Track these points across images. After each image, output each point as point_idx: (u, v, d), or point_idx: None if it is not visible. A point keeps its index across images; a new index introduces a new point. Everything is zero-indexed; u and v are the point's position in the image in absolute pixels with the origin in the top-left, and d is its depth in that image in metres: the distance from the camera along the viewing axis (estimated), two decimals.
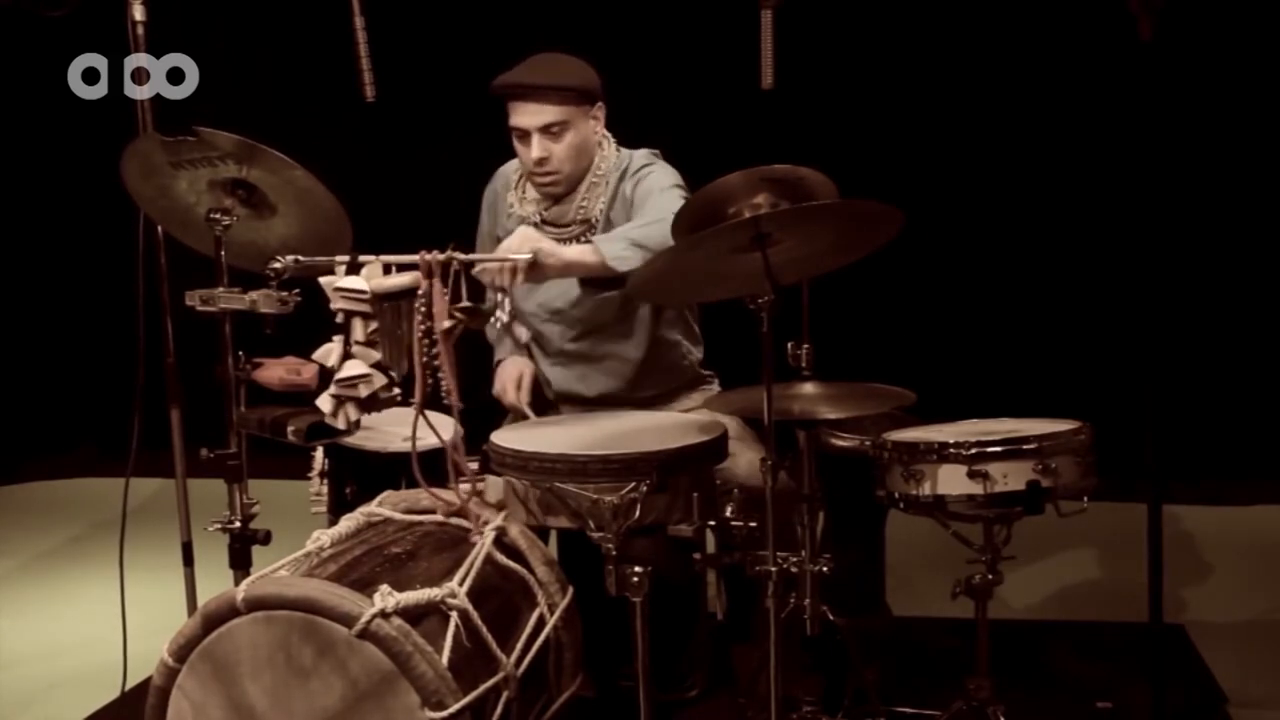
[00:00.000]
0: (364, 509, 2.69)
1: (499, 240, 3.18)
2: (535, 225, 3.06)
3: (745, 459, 2.79)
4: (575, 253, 2.74)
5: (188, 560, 3.23)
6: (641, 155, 3.12)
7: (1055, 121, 4.47)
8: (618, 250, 2.72)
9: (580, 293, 3.07)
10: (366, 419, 2.76)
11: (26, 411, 5.61)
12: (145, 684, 2.35)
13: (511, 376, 3.16)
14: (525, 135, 2.98)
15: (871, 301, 4.36)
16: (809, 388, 2.63)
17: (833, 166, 2.65)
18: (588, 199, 3.06)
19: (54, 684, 3.52)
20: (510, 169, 3.24)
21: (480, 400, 2.88)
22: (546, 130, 2.96)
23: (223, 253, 2.79)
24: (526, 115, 2.97)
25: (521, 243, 2.66)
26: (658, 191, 2.97)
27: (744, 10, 3.26)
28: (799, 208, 2.49)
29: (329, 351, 2.68)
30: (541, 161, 2.99)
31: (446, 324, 2.55)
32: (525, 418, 3.08)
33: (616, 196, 3.06)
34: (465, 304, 2.57)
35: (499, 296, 2.63)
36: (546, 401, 3.21)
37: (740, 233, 2.34)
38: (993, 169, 4.55)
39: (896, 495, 2.60)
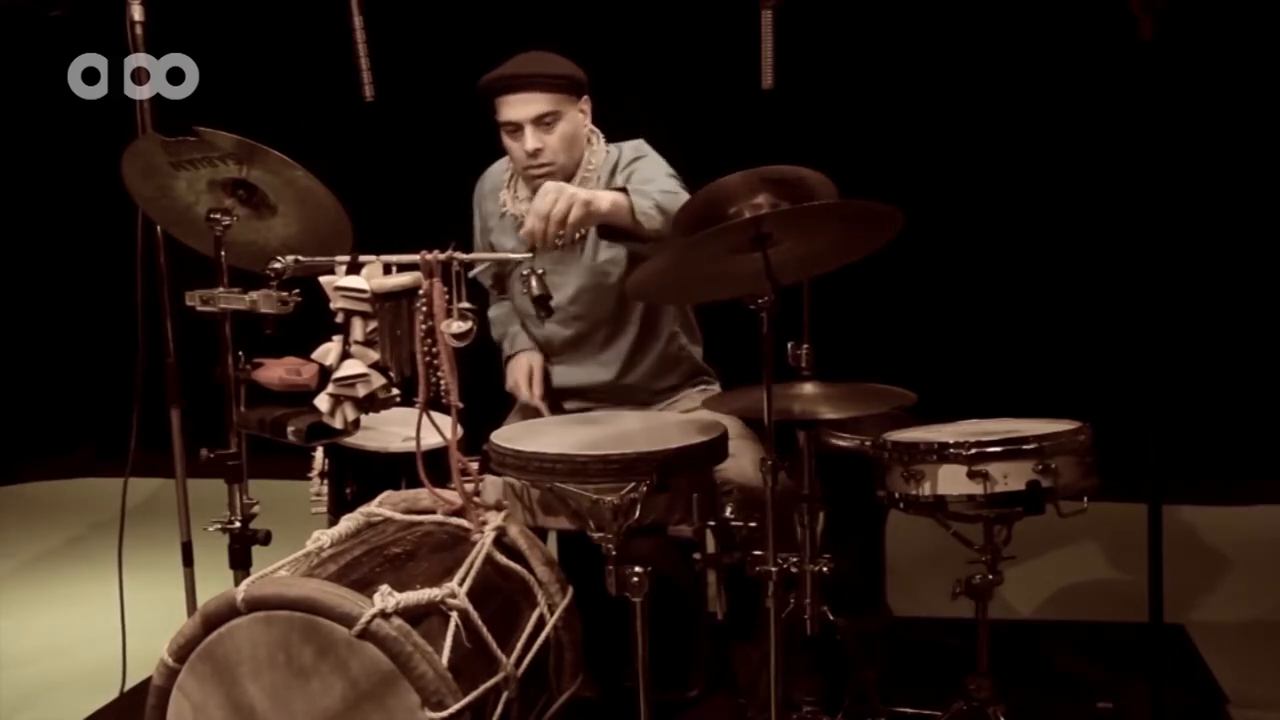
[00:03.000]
0: (364, 509, 2.69)
1: (489, 244, 3.19)
2: None
3: (745, 459, 2.78)
4: (612, 199, 2.70)
5: (188, 560, 3.23)
6: (631, 148, 3.13)
7: (1055, 121, 4.47)
8: (645, 207, 2.72)
9: (577, 289, 3.08)
10: (366, 419, 2.76)
11: (26, 412, 5.62)
12: (145, 684, 2.34)
13: (522, 371, 3.16)
14: (517, 129, 2.98)
15: (871, 301, 4.36)
16: (809, 388, 2.63)
17: (833, 166, 2.65)
18: None
19: (54, 684, 3.53)
20: (499, 169, 3.24)
21: (480, 400, 2.88)
22: (539, 121, 2.96)
23: (223, 253, 2.79)
24: (517, 107, 2.96)
25: (556, 196, 2.60)
26: (659, 179, 2.98)
27: (744, 10, 3.26)
28: (799, 208, 2.49)
29: (328, 351, 2.68)
30: (536, 153, 2.98)
31: (463, 327, 2.55)
32: (539, 413, 3.08)
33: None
34: (467, 305, 2.58)
35: (526, 271, 2.62)
36: (552, 400, 3.21)
37: (740, 233, 2.34)
38: (993, 169, 4.55)
39: (896, 495, 2.60)
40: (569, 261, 3.11)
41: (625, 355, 3.17)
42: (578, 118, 3.04)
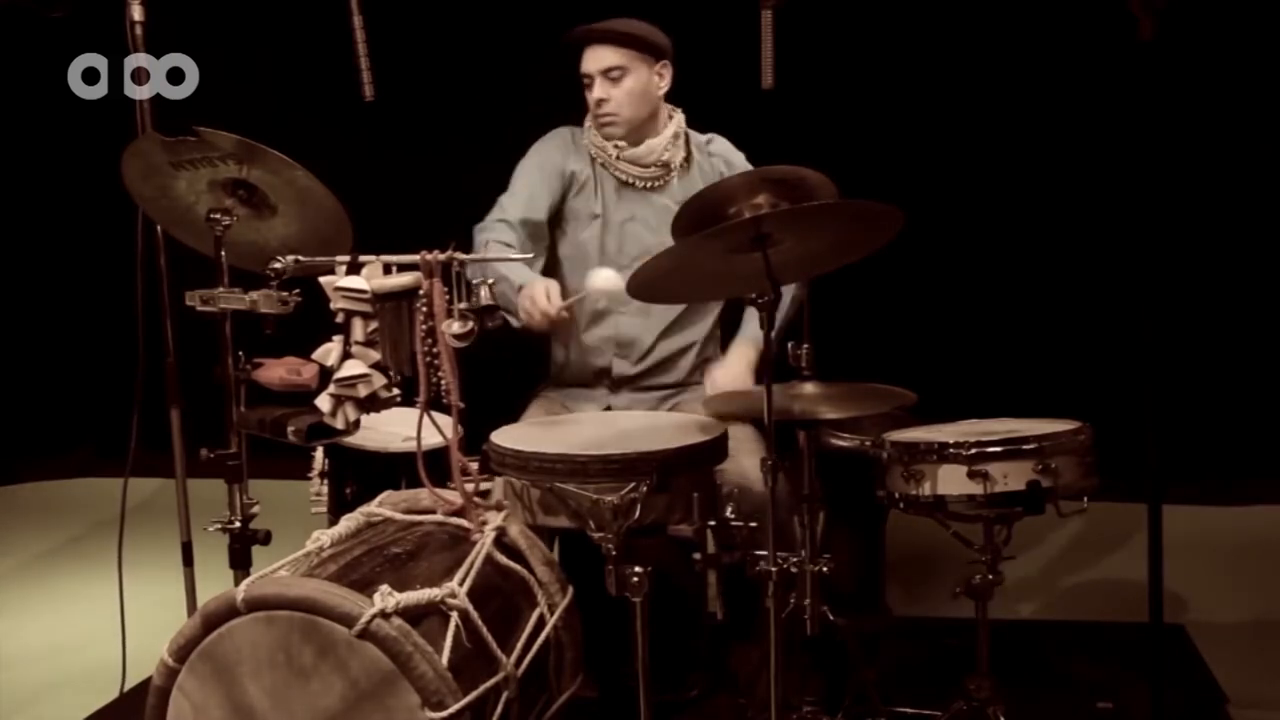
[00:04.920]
0: (364, 509, 2.69)
1: (570, 176, 3.24)
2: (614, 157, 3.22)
3: (745, 459, 2.79)
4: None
5: (188, 560, 3.23)
6: (711, 142, 3.33)
7: (1055, 121, 4.47)
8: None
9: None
10: (366, 419, 2.76)
11: (26, 412, 5.62)
12: (145, 684, 2.34)
13: (539, 292, 2.98)
14: (590, 80, 3.18)
15: (871, 301, 4.36)
16: (809, 388, 2.63)
17: (833, 166, 2.65)
18: (671, 148, 3.23)
19: (54, 684, 3.52)
20: (567, 130, 3.32)
21: (480, 400, 2.88)
22: (606, 74, 3.16)
23: (223, 253, 2.79)
24: (589, 59, 3.18)
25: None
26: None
27: (744, 10, 3.26)
28: (799, 208, 2.49)
29: (329, 351, 2.68)
30: (601, 103, 3.17)
31: (463, 327, 2.55)
32: (567, 331, 3.11)
33: (692, 159, 3.27)
34: (467, 305, 2.57)
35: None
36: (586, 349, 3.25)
37: (740, 233, 2.34)
38: (992, 169, 4.55)
39: (896, 495, 2.60)
40: (665, 216, 3.05)
41: (674, 325, 3.25)
42: (649, 79, 3.19)
